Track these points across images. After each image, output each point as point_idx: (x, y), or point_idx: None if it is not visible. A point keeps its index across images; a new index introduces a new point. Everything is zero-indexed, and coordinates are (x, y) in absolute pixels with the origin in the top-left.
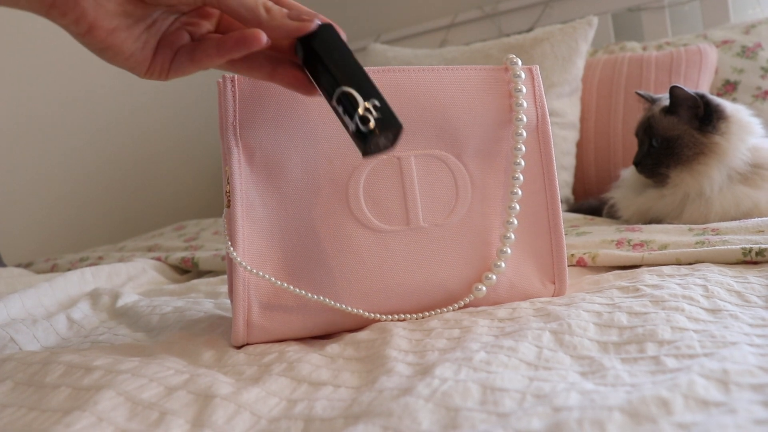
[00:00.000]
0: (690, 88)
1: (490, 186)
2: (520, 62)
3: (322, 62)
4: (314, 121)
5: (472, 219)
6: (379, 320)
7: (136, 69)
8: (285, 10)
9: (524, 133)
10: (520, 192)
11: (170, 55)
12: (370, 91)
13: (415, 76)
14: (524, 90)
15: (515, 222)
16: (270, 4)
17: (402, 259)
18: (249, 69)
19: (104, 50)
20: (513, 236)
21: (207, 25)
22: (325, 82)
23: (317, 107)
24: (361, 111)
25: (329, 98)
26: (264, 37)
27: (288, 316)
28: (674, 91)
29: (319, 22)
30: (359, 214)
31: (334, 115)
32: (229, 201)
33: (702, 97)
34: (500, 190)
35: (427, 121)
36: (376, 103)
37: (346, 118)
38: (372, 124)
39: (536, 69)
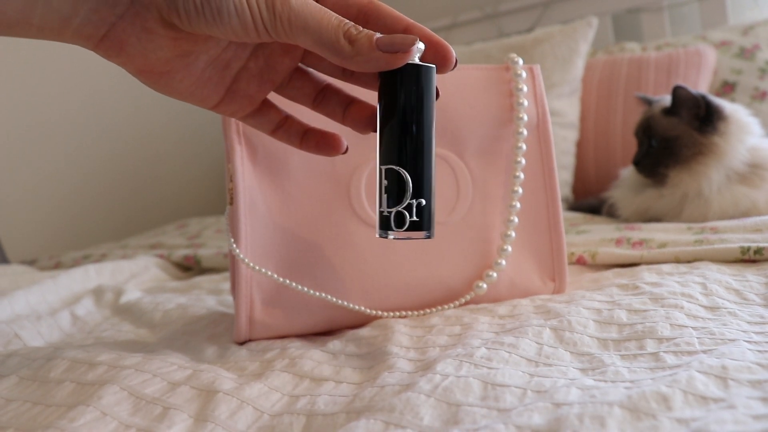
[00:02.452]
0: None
1: (491, 184)
2: (521, 61)
3: (396, 117)
4: (316, 118)
5: (473, 217)
6: (380, 317)
7: (201, 104)
8: (374, 35)
9: (525, 132)
10: (520, 190)
11: (248, 107)
12: (425, 185)
13: None
14: (525, 89)
15: (516, 220)
16: (354, 31)
17: (403, 257)
18: (287, 138)
19: (159, 89)
20: (514, 234)
21: (287, 63)
22: (387, 142)
23: None
24: (402, 207)
25: (379, 161)
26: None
27: (290, 312)
28: (677, 92)
29: (419, 52)
30: (361, 211)
31: None
32: (231, 198)
33: (704, 97)
34: (501, 189)
35: None
36: (423, 202)
37: (383, 195)
38: (405, 226)
39: (537, 68)
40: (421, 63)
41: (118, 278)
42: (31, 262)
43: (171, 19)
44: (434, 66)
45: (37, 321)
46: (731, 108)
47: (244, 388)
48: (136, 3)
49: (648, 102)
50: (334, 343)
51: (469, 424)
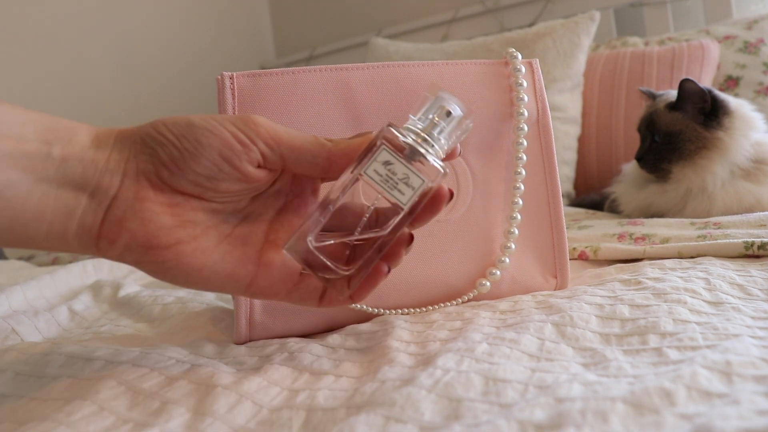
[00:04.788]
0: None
1: (492, 181)
2: (520, 56)
3: None
4: (312, 120)
5: (474, 215)
6: (381, 315)
7: (233, 288)
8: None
9: (525, 127)
10: (522, 186)
11: (287, 278)
12: None
13: (416, 72)
14: (525, 84)
15: (518, 217)
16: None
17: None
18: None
19: (175, 272)
20: (517, 231)
21: (271, 212)
22: None
23: (315, 105)
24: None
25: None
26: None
27: (290, 312)
28: (684, 85)
29: None
30: None
31: (331, 113)
32: None
33: (710, 92)
34: (502, 185)
35: None
36: None
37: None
38: None
39: (536, 63)
40: None
41: (116, 273)
42: (28, 258)
43: (159, 173)
44: None
45: (35, 316)
46: (736, 103)
47: (243, 383)
48: (125, 179)
49: (651, 96)
50: (334, 337)
51: (471, 419)
